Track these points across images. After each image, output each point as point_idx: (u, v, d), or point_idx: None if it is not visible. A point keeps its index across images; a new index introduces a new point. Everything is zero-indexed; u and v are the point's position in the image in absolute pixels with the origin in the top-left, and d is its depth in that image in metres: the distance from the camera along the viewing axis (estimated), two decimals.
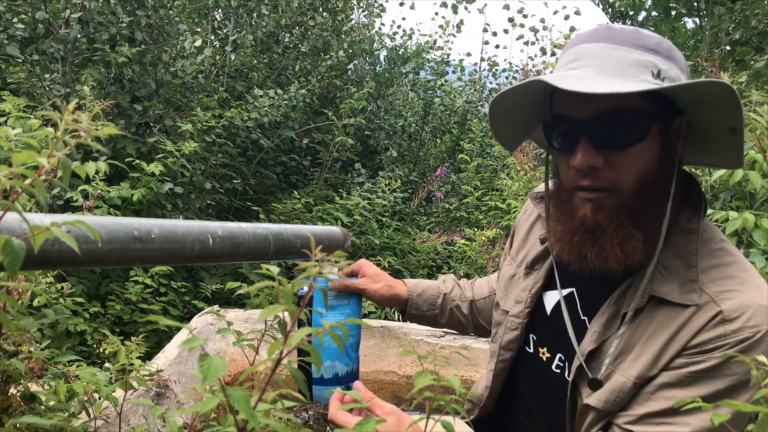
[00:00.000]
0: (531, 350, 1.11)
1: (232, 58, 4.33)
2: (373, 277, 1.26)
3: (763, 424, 0.57)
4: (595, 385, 0.95)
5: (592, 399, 0.95)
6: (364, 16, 6.68)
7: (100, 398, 1.15)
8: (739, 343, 0.84)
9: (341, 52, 4.82)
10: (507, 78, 7.35)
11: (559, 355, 1.05)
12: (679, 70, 0.90)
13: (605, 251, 0.91)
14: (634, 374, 0.91)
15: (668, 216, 0.91)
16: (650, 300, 0.92)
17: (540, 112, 1.02)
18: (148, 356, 2.32)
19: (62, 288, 1.61)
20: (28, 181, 0.59)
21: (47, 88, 3.21)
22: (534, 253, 1.14)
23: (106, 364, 1.20)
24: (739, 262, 0.92)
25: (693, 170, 1.98)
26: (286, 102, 4.13)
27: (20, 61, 3.24)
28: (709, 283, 0.89)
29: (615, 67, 0.86)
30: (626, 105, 0.86)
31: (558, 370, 1.05)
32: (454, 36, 6.71)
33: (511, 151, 1.16)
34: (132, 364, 1.18)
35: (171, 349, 2.09)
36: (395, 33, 7.26)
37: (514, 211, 3.82)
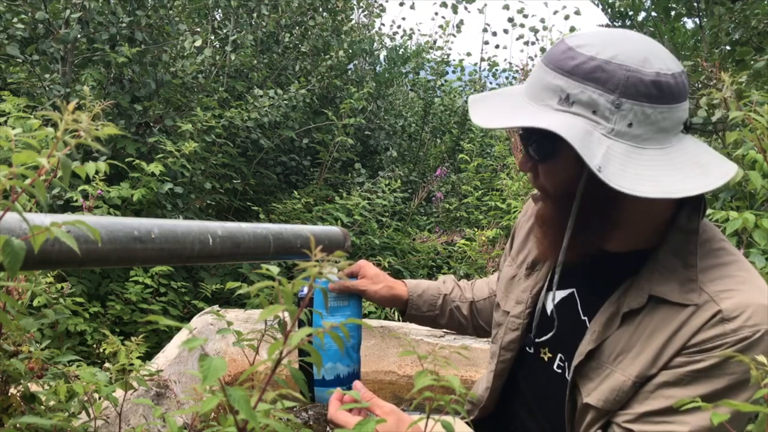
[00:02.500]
0: (531, 350, 1.11)
1: (232, 58, 4.32)
2: (373, 277, 1.26)
3: (762, 423, 0.57)
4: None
5: (592, 398, 0.95)
6: (364, 16, 6.68)
7: (100, 398, 1.15)
8: (738, 342, 0.84)
9: (341, 52, 4.82)
10: (507, 78, 7.35)
11: (560, 355, 1.05)
12: (602, 91, 0.84)
13: (543, 247, 1.04)
14: (634, 373, 0.91)
15: (569, 230, 0.95)
16: (650, 299, 0.92)
17: None
18: (148, 356, 2.32)
19: (62, 288, 1.61)
20: (28, 181, 0.59)
21: (47, 88, 3.21)
22: (534, 253, 1.14)
23: (106, 364, 1.20)
24: (739, 262, 0.92)
25: None
26: (286, 102, 4.13)
27: (20, 61, 3.24)
28: (709, 283, 0.89)
29: (531, 90, 0.93)
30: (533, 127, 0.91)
31: (559, 370, 1.05)
32: (454, 36, 6.71)
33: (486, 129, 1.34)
34: (132, 364, 1.18)
35: (171, 349, 2.10)
36: (395, 33, 7.26)
37: (514, 211, 3.82)
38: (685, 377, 0.87)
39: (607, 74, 0.85)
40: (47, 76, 3.26)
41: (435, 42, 6.69)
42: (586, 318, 1.01)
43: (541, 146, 0.93)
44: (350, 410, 0.93)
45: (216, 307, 2.75)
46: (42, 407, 1.07)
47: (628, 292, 0.94)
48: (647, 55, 0.86)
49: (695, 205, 0.96)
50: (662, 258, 0.93)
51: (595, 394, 0.94)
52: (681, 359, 0.88)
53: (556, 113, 0.87)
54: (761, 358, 0.62)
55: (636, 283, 0.94)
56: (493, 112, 0.95)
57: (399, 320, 2.83)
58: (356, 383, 1.03)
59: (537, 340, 1.11)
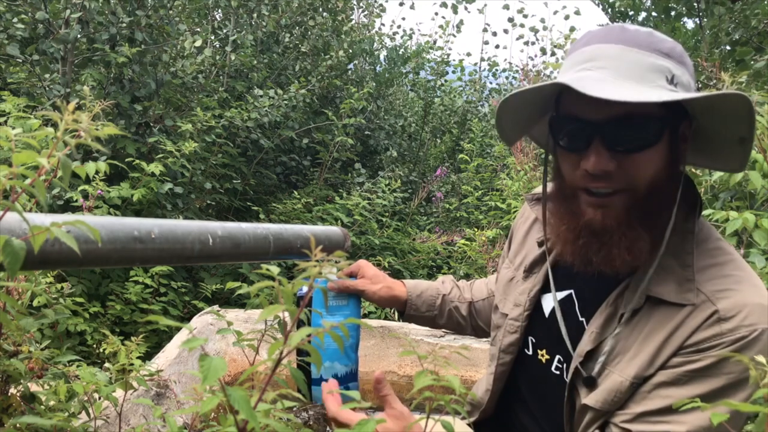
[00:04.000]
0: (530, 352, 1.11)
1: (232, 58, 4.33)
2: (372, 278, 1.26)
3: (762, 423, 0.57)
4: (590, 382, 0.95)
5: (590, 399, 0.95)
6: (364, 16, 6.68)
7: (100, 398, 1.15)
8: (735, 342, 0.84)
9: (341, 52, 4.82)
10: (507, 78, 7.35)
11: (558, 357, 1.05)
12: (689, 75, 0.90)
13: (612, 255, 0.91)
14: (632, 374, 0.91)
15: (673, 220, 0.91)
16: (647, 300, 0.92)
17: (542, 110, 1.02)
18: (148, 356, 2.32)
19: (62, 288, 1.61)
20: (28, 181, 0.59)
21: (47, 88, 3.21)
22: (532, 256, 1.14)
23: (106, 364, 1.20)
24: (735, 261, 0.92)
25: (692, 170, 1.98)
26: (286, 102, 4.13)
27: (20, 61, 3.24)
28: (705, 283, 0.89)
29: (632, 70, 0.85)
30: (641, 110, 0.85)
31: (557, 372, 1.05)
32: (454, 36, 6.72)
33: (510, 145, 1.16)
34: (132, 364, 1.18)
35: (171, 349, 2.10)
36: (395, 33, 7.27)
37: (514, 211, 3.82)
38: (683, 377, 0.87)
39: (688, 59, 0.91)
40: (47, 76, 3.26)
41: (435, 42, 6.69)
42: (583, 319, 1.01)
43: (648, 132, 0.88)
44: (353, 408, 0.93)
45: (216, 307, 2.75)
46: (42, 407, 1.07)
47: (626, 292, 0.94)
48: None
49: (691, 205, 0.96)
50: (659, 258, 0.93)
51: (593, 395, 0.94)
52: (678, 359, 0.88)
53: (671, 93, 0.84)
54: (760, 357, 0.62)
55: (633, 283, 0.94)
56: (619, 86, 0.84)
57: (399, 320, 2.83)
58: (377, 375, 1.00)
59: (534, 341, 1.11)
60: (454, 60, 6.81)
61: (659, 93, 0.83)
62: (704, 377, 0.86)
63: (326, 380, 1.13)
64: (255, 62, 4.54)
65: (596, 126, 0.88)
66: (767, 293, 0.88)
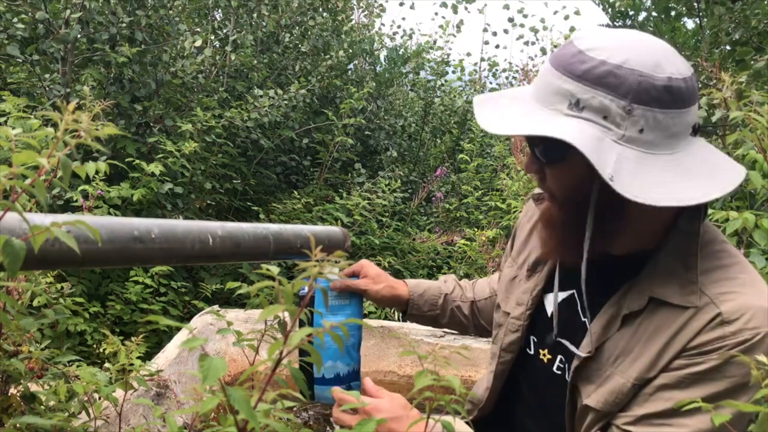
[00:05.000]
0: (532, 352, 1.11)
1: (232, 58, 4.32)
2: (375, 277, 1.26)
3: (763, 424, 0.57)
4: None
5: (591, 400, 0.95)
6: (364, 16, 6.68)
7: (100, 398, 1.15)
8: (738, 344, 0.84)
9: (341, 52, 4.82)
10: (507, 78, 7.35)
11: (560, 357, 1.05)
12: (613, 96, 0.83)
13: (552, 246, 1.02)
14: (634, 375, 0.91)
15: (588, 237, 0.92)
16: (650, 302, 0.92)
17: None
18: (148, 356, 2.32)
19: (62, 288, 1.61)
20: (28, 181, 0.59)
21: (47, 88, 3.21)
22: (535, 255, 1.14)
23: (106, 364, 1.20)
24: (740, 264, 0.92)
25: None
26: (286, 102, 4.13)
27: (20, 61, 3.24)
28: (709, 285, 0.89)
29: (541, 93, 0.90)
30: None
31: (559, 372, 1.05)
32: (454, 36, 6.71)
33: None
34: (132, 364, 1.18)
35: (171, 349, 2.09)
36: (395, 33, 7.27)
37: (514, 211, 3.82)
38: (685, 380, 0.87)
39: (619, 79, 0.83)
40: (47, 76, 3.26)
41: (435, 42, 6.68)
42: (586, 320, 1.01)
43: (550, 150, 0.90)
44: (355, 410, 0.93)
45: (216, 307, 2.74)
46: (42, 407, 1.07)
47: (629, 294, 0.94)
48: (659, 58, 0.84)
49: (696, 206, 0.96)
50: (663, 260, 0.93)
51: (594, 396, 0.94)
52: (681, 362, 0.88)
53: (566, 119, 0.85)
54: (762, 357, 0.62)
55: (636, 285, 0.93)
56: (502, 116, 0.93)
57: (399, 320, 2.83)
58: (366, 380, 1.05)
59: (536, 341, 1.11)
60: (454, 60, 6.80)
61: (541, 123, 0.87)
62: (707, 380, 0.86)
63: (328, 380, 1.14)
64: (255, 62, 4.54)
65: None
66: None
